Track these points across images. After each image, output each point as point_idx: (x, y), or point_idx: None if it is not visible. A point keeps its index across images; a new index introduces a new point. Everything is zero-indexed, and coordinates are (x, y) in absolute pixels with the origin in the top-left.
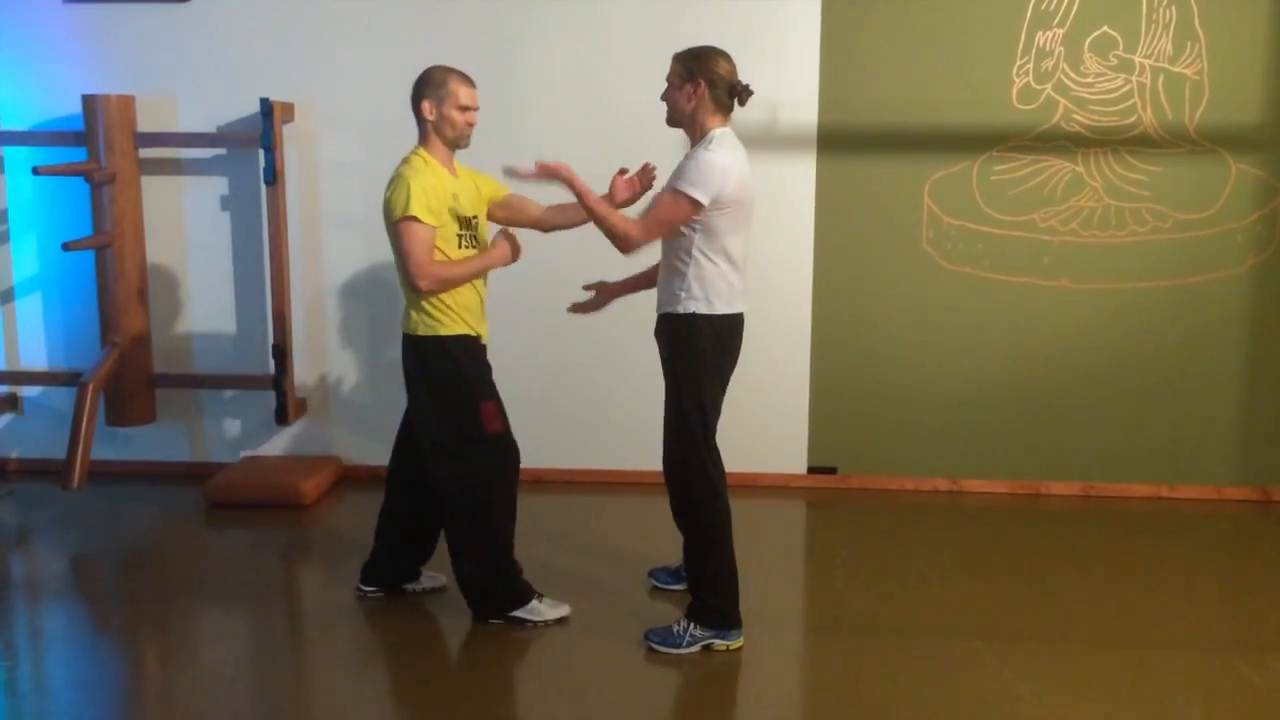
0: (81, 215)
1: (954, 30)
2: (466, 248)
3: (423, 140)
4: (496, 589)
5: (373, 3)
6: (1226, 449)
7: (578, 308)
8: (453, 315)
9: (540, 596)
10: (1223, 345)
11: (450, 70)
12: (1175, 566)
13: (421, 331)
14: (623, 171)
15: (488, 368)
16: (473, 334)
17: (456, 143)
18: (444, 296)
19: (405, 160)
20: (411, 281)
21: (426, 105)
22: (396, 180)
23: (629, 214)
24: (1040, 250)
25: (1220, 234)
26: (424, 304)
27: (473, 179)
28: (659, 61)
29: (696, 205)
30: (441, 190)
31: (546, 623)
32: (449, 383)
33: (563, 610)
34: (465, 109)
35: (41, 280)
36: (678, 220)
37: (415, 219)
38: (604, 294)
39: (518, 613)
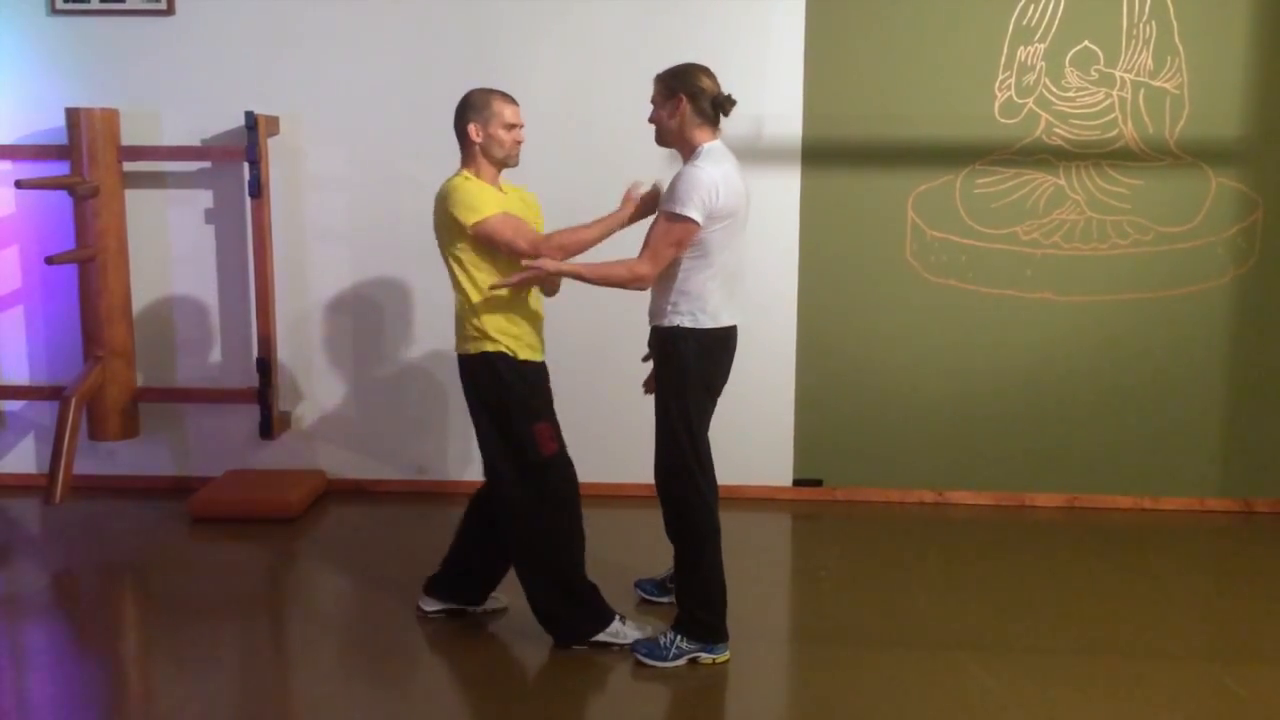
0: (65, 229)
1: (937, 45)
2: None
3: (467, 163)
4: (573, 614)
5: (358, 17)
6: (1209, 461)
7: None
8: (511, 335)
9: (622, 618)
10: (1204, 357)
11: (491, 91)
12: (1158, 578)
13: (473, 350)
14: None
15: (546, 389)
16: (537, 359)
17: (505, 162)
18: (509, 316)
19: (449, 182)
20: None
21: (473, 128)
22: (449, 195)
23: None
24: (1023, 263)
25: (1201, 247)
26: (481, 323)
27: (520, 196)
28: (645, 76)
29: (693, 223)
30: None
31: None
32: (502, 405)
33: (646, 631)
34: (512, 127)
35: (24, 294)
36: (682, 242)
37: (487, 217)
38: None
39: (600, 636)
